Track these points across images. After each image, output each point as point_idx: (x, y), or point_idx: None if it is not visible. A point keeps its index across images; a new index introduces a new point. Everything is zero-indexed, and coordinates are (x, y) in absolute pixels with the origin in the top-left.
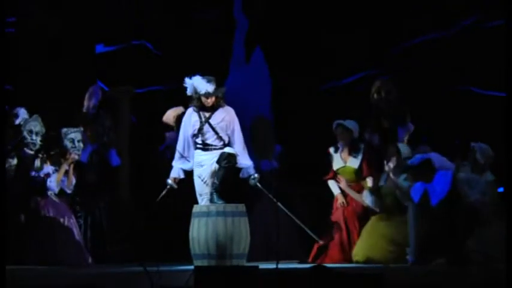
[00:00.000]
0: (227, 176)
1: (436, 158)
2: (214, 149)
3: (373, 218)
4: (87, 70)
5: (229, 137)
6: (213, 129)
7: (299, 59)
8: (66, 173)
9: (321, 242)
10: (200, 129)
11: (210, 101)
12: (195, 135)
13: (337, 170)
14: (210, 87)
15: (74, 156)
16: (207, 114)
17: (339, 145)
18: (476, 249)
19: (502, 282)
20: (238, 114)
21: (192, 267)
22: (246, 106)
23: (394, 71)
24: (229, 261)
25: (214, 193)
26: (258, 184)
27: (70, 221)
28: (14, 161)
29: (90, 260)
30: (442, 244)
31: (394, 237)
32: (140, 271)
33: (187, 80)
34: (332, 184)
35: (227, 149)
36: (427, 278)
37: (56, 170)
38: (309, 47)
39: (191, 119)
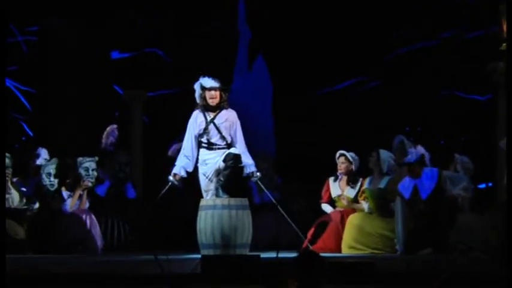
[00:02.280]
0: (232, 174)
1: (426, 154)
2: (218, 148)
3: (354, 215)
4: (103, 75)
5: (231, 137)
6: (217, 128)
7: (297, 65)
8: (80, 197)
9: (309, 245)
10: (205, 129)
11: (215, 98)
12: (200, 135)
13: (334, 197)
14: (215, 83)
15: (88, 183)
16: (212, 115)
17: (338, 173)
18: (458, 239)
19: (481, 268)
20: (241, 119)
21: (199, 256)
22: (249, 111)
23: (385, 77)
24: (233, 250)
25: (220, 188)
26: (258, 182)
27: (88, 216)
28: (36, 205)
29: (101, 248)
30: (427, 235)
31: (376, 229)
32: (151, 259)
33: (195, 84)
34: (325, 207)
35: (232, 150)
36: (415, 266)
37: (70, 196)
38: (305, 54)
39: (197, 119)
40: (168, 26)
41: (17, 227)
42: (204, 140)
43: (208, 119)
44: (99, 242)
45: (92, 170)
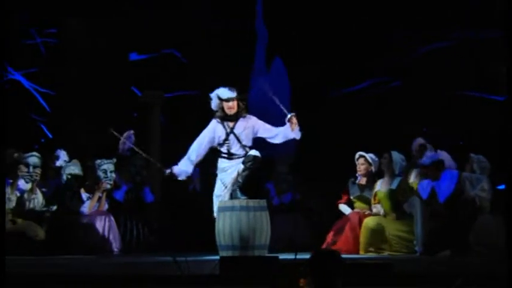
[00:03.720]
0: (251, 175)
1: (445, 158)
2: (238, 157)
3: (370, 218)
4: (121, 77)
5: (251, 143)
6: (237, 138)
7: (315, 66)
8: (99, 199)
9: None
10: (225, 140)
11: (232, 108)
12: (220, 145)
13: (353, 198)
14: (231, 93)
15: (106, 185)
16: (231, 124)
17: (357, 175)
18: (477, 241)
19: (500, 270)
20: (263, 119)
21: (217, 257)
22: (267, 112)
23: (403, 77)
24: (252, 251)
25: (238, 190)
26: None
27: (107, 218)
28: (55, 207)
29: (120, 249)
30: (446, 237)
31: (393, 232)
32: (169, 261)
33: (211, 94)
34: (343, 207)
35: (253, 152)
36: (434, 268)
37: (89, 198)
38: (324, 55)
39: (216, 131)
40: (186, 27)
41: (37, 228)
42: (224, 150)
43: (228, 129)
44: (118, 243)
45: (110, 171)
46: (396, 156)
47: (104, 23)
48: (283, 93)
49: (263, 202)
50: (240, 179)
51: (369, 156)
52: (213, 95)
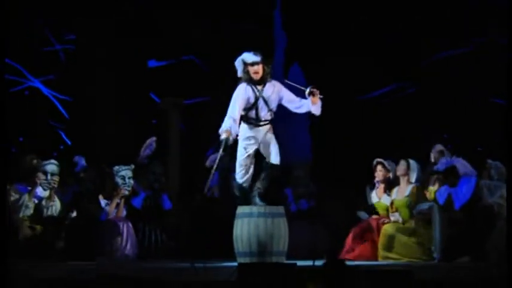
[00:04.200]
0: (270, 183)
1: (461, 165)
2: (264, 124)
3: (388, 225)
4: (141, 83)
5: (282, 103)
6: (266, 102)
7: (333, 72)
8: (117, 205)
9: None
10: (255, 103)
11: (258, 73)
12: (248, 109)
13: (370, 205)
14: (256, 57)
15: (124, 191)
16: (259, 88)
17: (375, 181)
18: (495, 247)
19: None
20: (279, 129)
21: (235, 263)
22: (285, 119)
23: (421, 83)
24: (270, 258)
25: (257, 196)
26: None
27: (126, 224)
28: (74, 214)
29: (137, 255)
30: (465, 243)
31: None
32: (188, 267)
33: (236, 61)
34: (361, 213)
35: (272, 159)
36: (453, 274)
37: (108, 204)
38: (342, 61)
39: (247, 92)
40: (205, 33)
41: (55, 235)
42: (252, 115)
43: (257, 93)
44: (135, 250)
45: (129, 178)
46: (413, 163)
47: (123, 30)
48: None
49: (281, 208)
50: (259, 185)
51: (387, 162)
52: (237, 61)
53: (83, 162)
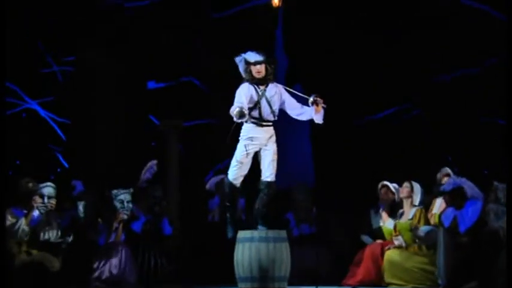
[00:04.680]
0: (268, 204)
1: (468, 187)
2: (267, 125)
3: (391, 250)
4: (139, 105)
5: (284, 106)
6: (269, 102)
7: (336, 94)
8: (116, 230)
9: None
10: (257, 103)
11: (260, 72)
12: (250, 109)
13: (374, 228)
14: (259, 57)
15: (123, 215)
16: (262, 87)
17: (379, 204)
18: (501, 273)
19: None
20: (280, 152)
21: None
22: (287, 141)
23: (426, 105)
24: (271, 283)
25: (260, 220)
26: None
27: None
28: (71, 238)
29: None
30: (471, 269)
31: (415, 264)
32: None
33: (237, 58)
34: (365, 238)
35: (268, 177)
36: None
37: (106, 229)
38: (345, 82)
39: (249, 91)
40: (205, 54)
41: (52, 259)
42: (255, 114)
43: (260, 92)
44: (134, 275)
45: (127, 202)
46: (417, 186)
47: (122, 51)
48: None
49: (283, 233)
50: (259, 206)
51: (392, 185)
52: (239, 60)
53: (80, 186)
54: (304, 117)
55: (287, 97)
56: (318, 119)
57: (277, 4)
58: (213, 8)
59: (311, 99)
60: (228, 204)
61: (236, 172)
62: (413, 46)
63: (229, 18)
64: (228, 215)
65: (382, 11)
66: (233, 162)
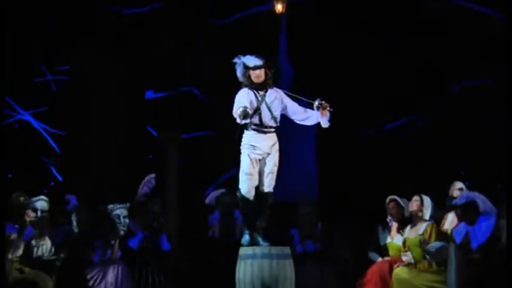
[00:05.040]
0: (270, 213)
1: (481, 201)
2: (269, 132)
3: (400, 268)
4: (137, 116)
5: (280, 117)
6: (269, 108)
7: (342, 104)
8: (112, 246)
9: None
10: (258, 108)
11: (260, 77)
12: (250, 115)
13: (382, 245)
14: (258, 61)
15: (119, 231)
16: (262, 92)
17: (388, 220)
18: None
19: None
20: (286, 160)
21: None
22: (291, 152)
23: (435, 117)
24: None
25: (260, 235)
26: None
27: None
28: (64, 255)
29: None
30: (483, 286)
31: (425, 283)
32: None
33: (236, 60)
34: (372, 255)
35: (266, 188)
36: None
37: (102, 245)
38: (352, 92)
39: (249, 96)
40: (206, 63)
41: (46, 278)
42: (255, 121)
43: (260, 98)
44: None
45: (124, 217)
46: (427, 200)
47: (119, 60)
48: (309, 132)
49: (287, 249)
50: (261, 222)
51: (401, 200)
52: (237, 64)
53: (74, 200)
54: (309, 122)
55: (288, 102)
56: (324, 122)
57: (281, 10)
58: (214, 15)
59: (316, 103)
60: (245, 218)
61: (248, 184)
62: (423, 55)
63: (231, 25)
64: (246, 228)
65: (390, 20)
66: (241, 175)
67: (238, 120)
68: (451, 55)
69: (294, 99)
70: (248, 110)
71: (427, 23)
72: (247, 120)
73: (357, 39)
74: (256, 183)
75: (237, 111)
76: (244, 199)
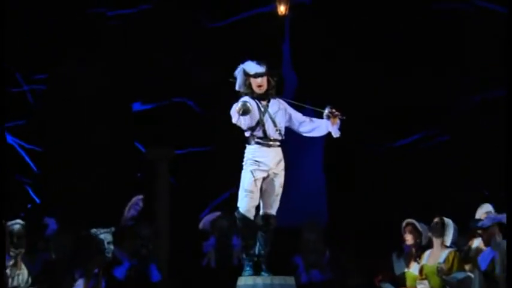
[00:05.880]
0: (271, 239)
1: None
2: (274, 145)
3: None
4: (123, 130)
5: (289, 124)
6: (273, 120)
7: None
8: (95, 276)
9: None
10: (260, 121)
11: (262, 86)
12: (252, 128)
13: (398, 275)
14: (261, 68)
15: (104, 259)
16: (264, 103)
17: (403, 247)
18: None
19: None
20: (291, 178)
21: None
22: (297, 172)
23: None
24: None
25: (262, 264)
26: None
27: None
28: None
29: None
30: None
31: None
32: None
33: (236, 70)
34: (386, 286)
35: (267, 209)
36: None
37: (84, 274)
38: (362, 105)
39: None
40: (200, 71)
41: None
42: (259, 133)
43: (262, 108)
44: None
45: (108, 243)
46: (449, 223)
47: (103, 67)
48: (317, 146)
49: (290, 279)
50: (262, 249)
51: (419, 224)
52: (237, 71)
53: (54, 224)
54: (317, 133)
55: (293, 112)
56: (335, 132)
57: (284, 12)
58: (209, 17)
59: (326, 111)
60: (244, 242)
61: (248, 202)
62: (439, 62)
63: (228, 28)
64: (244, 255)
65: (405, 27)
66: (241, 192)
67: (234, 119)
68: (470, 63)
69: (298, 108)
70: (249, 105)
71: (444, 30)
72: (247, 115)
73: (366, 45)
74: (256, 202)
75: (236, 106)
76: (244, 219)
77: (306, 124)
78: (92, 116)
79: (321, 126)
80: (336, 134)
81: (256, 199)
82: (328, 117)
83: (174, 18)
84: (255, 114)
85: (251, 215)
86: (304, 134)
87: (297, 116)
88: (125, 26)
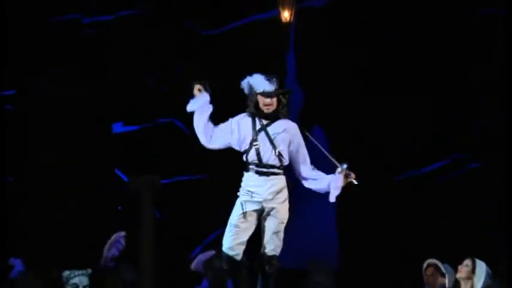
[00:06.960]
0: (273, 283)
1: None
2: (272, 173)
3: None
4: (101, 155)
5: (290, 157)
6: (271, 140)
7: (365, 142)
8: None
9: None
10: (254, 140)
11: (270, 105)
12: (245, 152)
13: None
14: (269, 86)
15: None
16: (265, 122)
17: None
18: None
19: None
20: (296, 213)
21: None
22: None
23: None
24: None
25: None
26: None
27: None
28: None
29: None
30: None
31: None
32: None
33: (243, 82)
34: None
35: (268, 251)
36: None
37: None
38: (377, 126)
39: (240, 124)
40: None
41: None
42: (252, 157)
43: (259, 126)
44: None
45: (84, 286)
46: (482, 266)
47: (78, 83)
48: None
49: None
50: None
51: (442, 265)
52: (244, 83)
53: (20, 265)
54: (313, 185)
55: (302, 146)
56: (333, 196)
57: (288, 19)
58: (202, 24)
59: (340, 169)
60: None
61: (231, 239)
62: (467, 77)
63: (224, 36)
64: None
65: (429, 41)
66: (228, 225)
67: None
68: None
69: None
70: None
71: (470, 45)
72: (217, 131)
73: (389, 58)
74: (243, 239)
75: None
76: (227, 258)
77: (307, 168)
78: (65, 140)
79: (321, 180)
80: (332, 198)
81: (244, 236)
82: (339, 174)
83: (160, 25)
84: (248, 133)
85: (236, 253)
86: (299, 177)
87: (304, 153)
88: (104, 35)
